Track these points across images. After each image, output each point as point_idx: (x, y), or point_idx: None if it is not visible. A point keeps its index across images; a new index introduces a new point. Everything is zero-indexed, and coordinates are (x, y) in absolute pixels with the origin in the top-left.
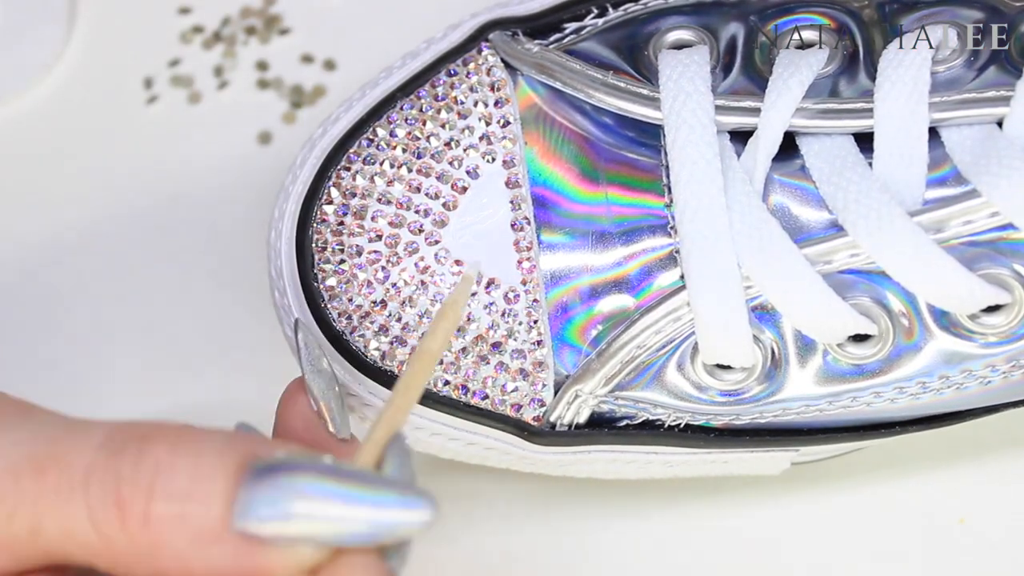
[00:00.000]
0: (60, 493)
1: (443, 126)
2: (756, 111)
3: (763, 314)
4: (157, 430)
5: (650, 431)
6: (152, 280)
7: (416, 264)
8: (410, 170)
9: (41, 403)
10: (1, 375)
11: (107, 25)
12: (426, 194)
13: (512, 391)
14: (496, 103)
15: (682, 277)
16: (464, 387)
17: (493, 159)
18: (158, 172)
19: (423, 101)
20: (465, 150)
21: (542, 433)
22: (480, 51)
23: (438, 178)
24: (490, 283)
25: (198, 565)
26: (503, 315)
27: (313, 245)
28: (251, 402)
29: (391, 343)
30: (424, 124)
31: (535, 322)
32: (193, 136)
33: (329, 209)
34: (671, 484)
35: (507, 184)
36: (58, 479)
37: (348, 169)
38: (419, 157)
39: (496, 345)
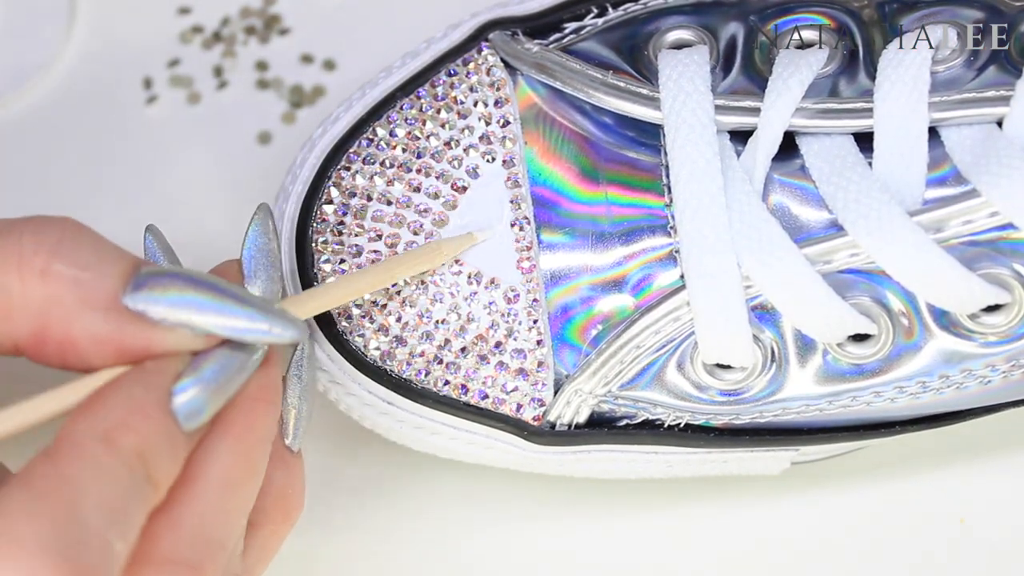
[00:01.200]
0: None
1: (443, 126)
2: (756, 111)
3: (763, 314)
4: (67, 218)
5: (650, 431)
6: None
7: None
8: (410, 170)
9: None
10: (2, 373)
11: (107, 25)
12: (426, 194)
13: (512, 391)
14: (496, 103)
15: (682, 277)
16: (464, 387)
17: (493, 159)
18: (158, 172)
19: (423, 101)
20: (465, 150)
21: (542, 433)
22: (480, 51)
23: (438, 178)
24: (490, 283)
25: (80, 330)
26: (503, 315)
27: (313, 245)
28: None
29: (391, 343)
30: (424, 124)
31: (535, 322)
32: (193, 136)
33: (329, 209)
34: (671, 484)
35: (507, 184)
36: None
37: (348, 169)
38: (419, 157)
39: (496, 345)
